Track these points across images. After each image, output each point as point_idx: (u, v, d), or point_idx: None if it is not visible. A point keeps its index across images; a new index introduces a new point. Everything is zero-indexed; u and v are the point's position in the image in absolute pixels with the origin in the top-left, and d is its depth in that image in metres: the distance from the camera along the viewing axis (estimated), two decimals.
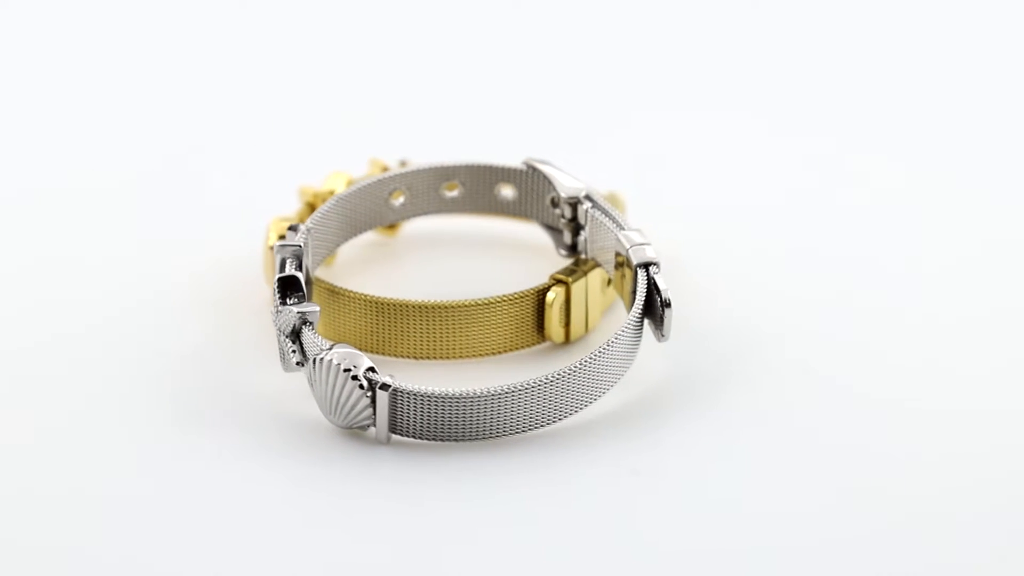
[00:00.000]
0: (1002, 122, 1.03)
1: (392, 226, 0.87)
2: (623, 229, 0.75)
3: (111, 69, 1.09)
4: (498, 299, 0.74)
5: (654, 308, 0.72)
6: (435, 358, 0.75)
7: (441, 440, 0.68)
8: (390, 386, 0.67)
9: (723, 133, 1.02)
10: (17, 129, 1.01)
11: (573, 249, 0.78)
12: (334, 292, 0.75)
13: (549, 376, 0.68)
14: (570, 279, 0.76)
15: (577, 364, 0.68)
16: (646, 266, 0.73)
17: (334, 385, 0.68)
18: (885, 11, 1.16)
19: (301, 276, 0.71)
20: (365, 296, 0.74)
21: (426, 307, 0.74)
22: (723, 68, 1.11)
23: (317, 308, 0.70)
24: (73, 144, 0.99)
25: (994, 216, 0.90)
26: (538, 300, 0.75)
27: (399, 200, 0.79)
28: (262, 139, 1.00)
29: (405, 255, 0.86)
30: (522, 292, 0.75)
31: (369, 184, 0.78)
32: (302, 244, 0.73)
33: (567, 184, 0.77)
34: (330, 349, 0.68)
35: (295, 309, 0.69)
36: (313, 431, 0.70)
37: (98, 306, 0.79)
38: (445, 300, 0.74)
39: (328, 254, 0.77)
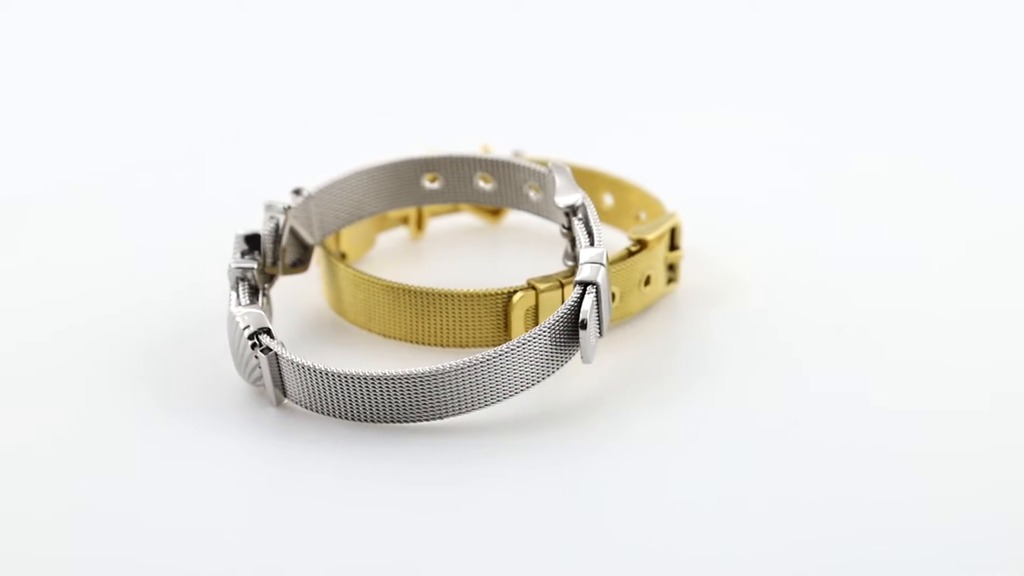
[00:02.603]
0: (1006, 121, 1.03)
1: (496, 212, 0.89)
2: (591, 246, 0.74)
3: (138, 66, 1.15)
4: (463, 292, 0.75)
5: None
6: (400, 339, 0.77)
7: (325, 414, 0.71)
8: (271, 350, 0.71)
9: (721, 132, 1.02)
10: (15, 129, 1.08)
11: (576, 259, 0.78)
12: (329, 261, 0.79)
13: (433, 370, 0.69)
14: (541, 286, 0.76)
15: (463, 363, 0.69)
16: (583, 284, 0.72)
17: (234, 340, 0.73)
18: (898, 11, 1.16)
19: (269, 235, 0.76)
20: (347, 268, 0.78)
21: (393, 288, 0.76)
22: (730, 68, 1.13)
23: (253, 266, 0.75)
24: (77, 144, 1.05)
25: (997, 215, 0.89)
26: (506, 301, 0.76)
27: (435, 184, 0.82)
28: (264, 140, 1.04)
29: (501, 240, 0.88)
30: (491, 290, 0.75)
31: (399, 162, 0.81)
32: (286, 207, 0.77)
33: (563, 193, 0.76)
34: (245, 306, 0.73)
35: (233, 264, 0.75)
36: (224, 387, 0.74)
37: (99, 303, 0.82)
38: (414, 285, 0.76)
39: (348, 223, 0.81)
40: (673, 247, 0.81)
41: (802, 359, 0.76)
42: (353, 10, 1.22)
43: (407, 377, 0.69)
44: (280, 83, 1.14)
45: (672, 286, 0.81)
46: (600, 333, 0.73)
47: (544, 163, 0.80)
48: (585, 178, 0.87)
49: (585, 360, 0.72)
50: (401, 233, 0.88)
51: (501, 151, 0.89)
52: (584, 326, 0.71)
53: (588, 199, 0.76)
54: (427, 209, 0.88)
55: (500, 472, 0.69)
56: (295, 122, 1.07)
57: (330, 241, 0.83)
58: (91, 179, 0.97)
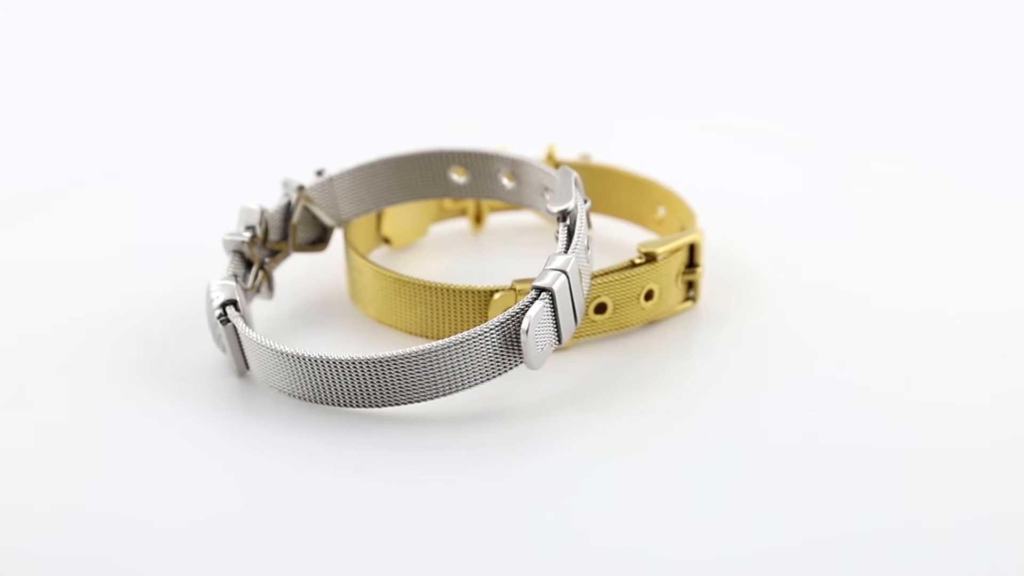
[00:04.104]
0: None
1: None
2: (563, 253, 0.72)
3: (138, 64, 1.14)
4: (447, 287, 0.75)
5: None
6: (389, 325, 0.78)
7: (275, 389, 0.73)
8: (229, 321, 0.73)
9: (722, 134, 1.01)
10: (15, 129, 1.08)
11: None
12: (344, 244, 0.80)
13: (368, 358, 0.69)
14: (522, 287, 0.75)
15: (400, 354, 0.69)
16: (539, 289, 0.71)
17: (206, 307, 0.75)
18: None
19: (278, 211, 0.78)
20: (353, 252, 0.79)
21: (385, 275, 0.77)
22: (735, 71, 1.13)
23: (242, 238, 0.77)
24: (77, 144, 1.05)
25: (998, 213, 0.89)
26: (487, 299, 0.75)
27: (462, 178, 0.81)
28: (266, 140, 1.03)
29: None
30: (474, 287, 0.75)
31: (428, 153, 0.81)
32: (299, 187, 0.79)
33: (556, 198, 0.74)
34: (223, 278, 0.75)
35: (226, 235, 0.77)
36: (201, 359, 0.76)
37: (102, 299, 0.82)
38: (405, 275, 0.76)
39: (372, 209, 0.82)
40: (692, 264, 0.77)
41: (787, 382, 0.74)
42: (380, 10, 1.22)
43: (342, 362, 0.69)
44: (285, 84, 1.16)
45: (688, 304, 0.78)
46: (559, 341, 0.71)
47: (558, 165, 0.79)
48: (640, 188, 0.85)
49: (529, 366, 0.70)
50: (459, 225, 0.88)
51: (568, 153, 0.88)
52: (527, 332, 0.69)
53: (582, 206, 0.74)
54: (486, 204, 0.87)
55: (422, 463, 0.69)
56: (306, 123, 1.08)
57: (367, 223, 0.83)
58: (91, 179, 0.99)
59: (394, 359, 0.68)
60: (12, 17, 1.22)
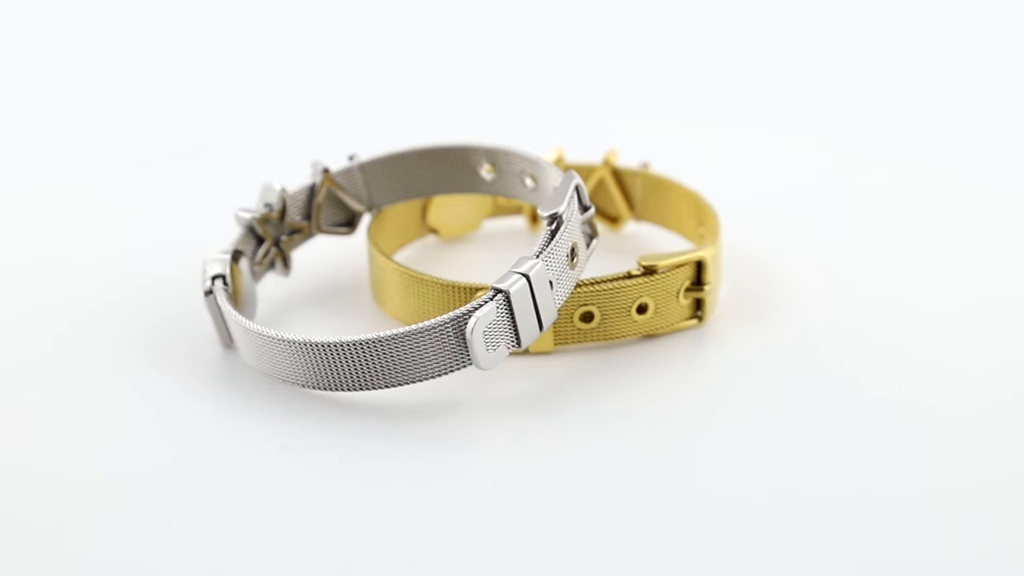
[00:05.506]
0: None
1: (615, 220, 0.86)
2: (532, 257, 0.71)
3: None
4: (436, 281, 0.74)
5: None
6: (390, 314, 0.78)
7: (250, 365, 0.74)
8: (211, 293, 0.75)
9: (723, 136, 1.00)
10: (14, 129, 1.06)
11: None
12: (367, 232, 0.81)
13: (317, 342, 0.69)
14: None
15: (346, 341, 0.69)
16: (496, 291, 0.70)
17: (200, 279, 0.77)
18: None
19: (300, 191, 0.79)
20: (372, 243, 0.79)
21: (385, 265, 0.77)
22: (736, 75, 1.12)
23: (251, 215, 0.78)
24: (76, 144, 1.04)
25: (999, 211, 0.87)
26: (470, 295, 0.74)
27: (491, 175, 0.80)
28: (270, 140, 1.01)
29: (615, 247, 0.85)
30: (460, 283, 0.74)
31: (458, 147, 0.80)
32: (324, 169, 0.80)
33: (549, 202, 0.72)
34: (221, 251, 0.77)
35: (239, 210, 0.79)
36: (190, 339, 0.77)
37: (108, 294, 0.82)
38: (403, 265, 0.76)
39: (403, 198, 0.81)
40: (699, 283, 0.74)
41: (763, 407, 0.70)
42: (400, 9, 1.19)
43: (296, 343, 0.69)
44: (295, 84, 1.15)
45: (693, 322, 0.75)
46: (518, 344, 0.69)
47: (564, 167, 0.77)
48: (685, 199, 0.83)
49: (477, 366, 0.69)
50: (516, 223, 0.87)
51: (628, 160, 0.86)
52: (472, 332, 0.67)
53: (575, 214, 0.72)
54: None
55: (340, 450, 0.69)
56: (314, 123, 1.07)
57: (413, 211, 0.84)
58: (92, 179, 0.98)
59: (342, 345, 0.68)
60: (12, 17, 1.23)
